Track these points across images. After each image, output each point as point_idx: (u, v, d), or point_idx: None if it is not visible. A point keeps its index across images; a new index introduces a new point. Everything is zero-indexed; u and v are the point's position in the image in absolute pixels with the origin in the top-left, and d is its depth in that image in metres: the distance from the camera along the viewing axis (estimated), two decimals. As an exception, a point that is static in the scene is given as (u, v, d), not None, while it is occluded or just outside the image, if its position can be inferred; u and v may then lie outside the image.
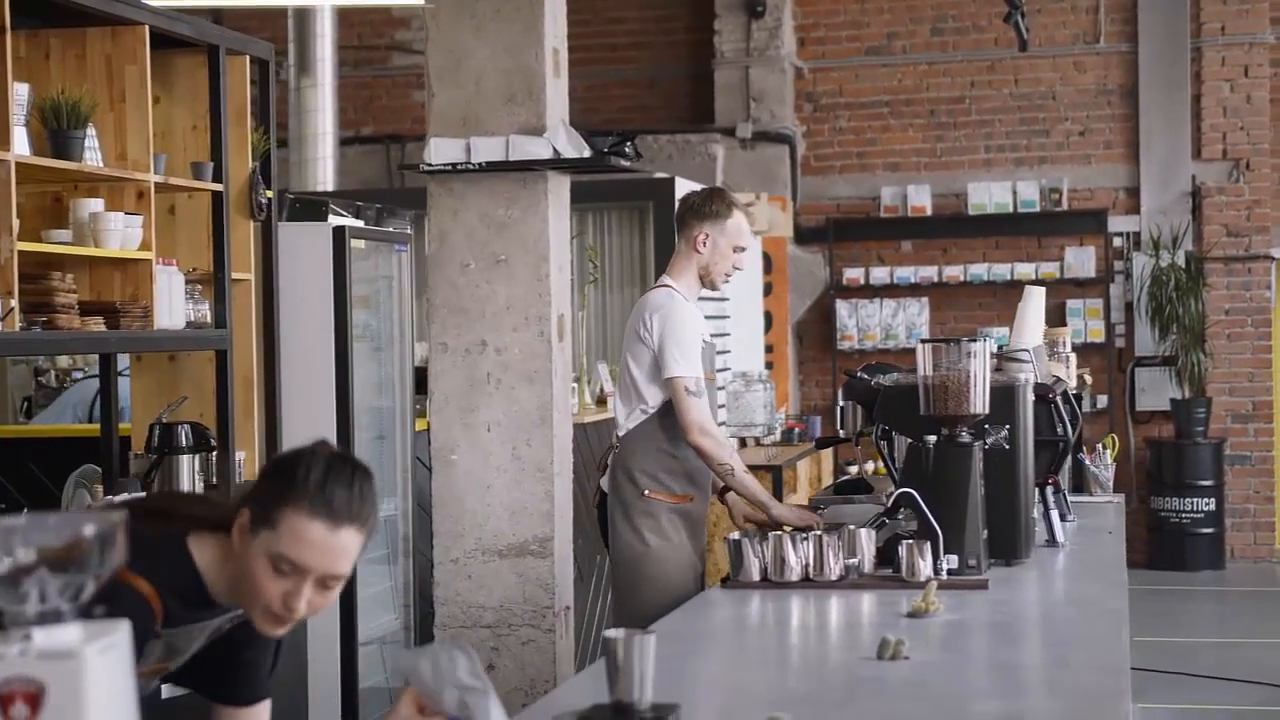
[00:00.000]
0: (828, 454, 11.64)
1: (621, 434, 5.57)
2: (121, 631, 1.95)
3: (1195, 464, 12.90)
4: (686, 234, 5.56)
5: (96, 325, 5.38)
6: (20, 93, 5.12)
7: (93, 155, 5.40)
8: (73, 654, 1.87)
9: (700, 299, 5.62)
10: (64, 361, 9.32)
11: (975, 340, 4.77)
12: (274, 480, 2.87)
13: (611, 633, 2.92)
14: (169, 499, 3.12)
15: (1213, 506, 12.89)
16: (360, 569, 6.91)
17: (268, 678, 3.18)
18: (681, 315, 5.44)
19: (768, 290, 12.90)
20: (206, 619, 2.99)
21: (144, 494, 5.27)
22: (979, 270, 13.39)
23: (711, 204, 5.55)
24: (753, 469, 9.40)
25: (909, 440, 4.91)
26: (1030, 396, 5.06)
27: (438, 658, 2.54)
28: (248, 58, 6.35)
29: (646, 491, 5.49)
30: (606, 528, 5.65)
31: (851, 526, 4.71)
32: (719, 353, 10.37)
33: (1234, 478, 13.20)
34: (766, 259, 12.86)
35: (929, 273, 13.48)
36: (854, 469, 10.09)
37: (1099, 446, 6.94)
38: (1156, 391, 13.22)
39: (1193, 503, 12.87)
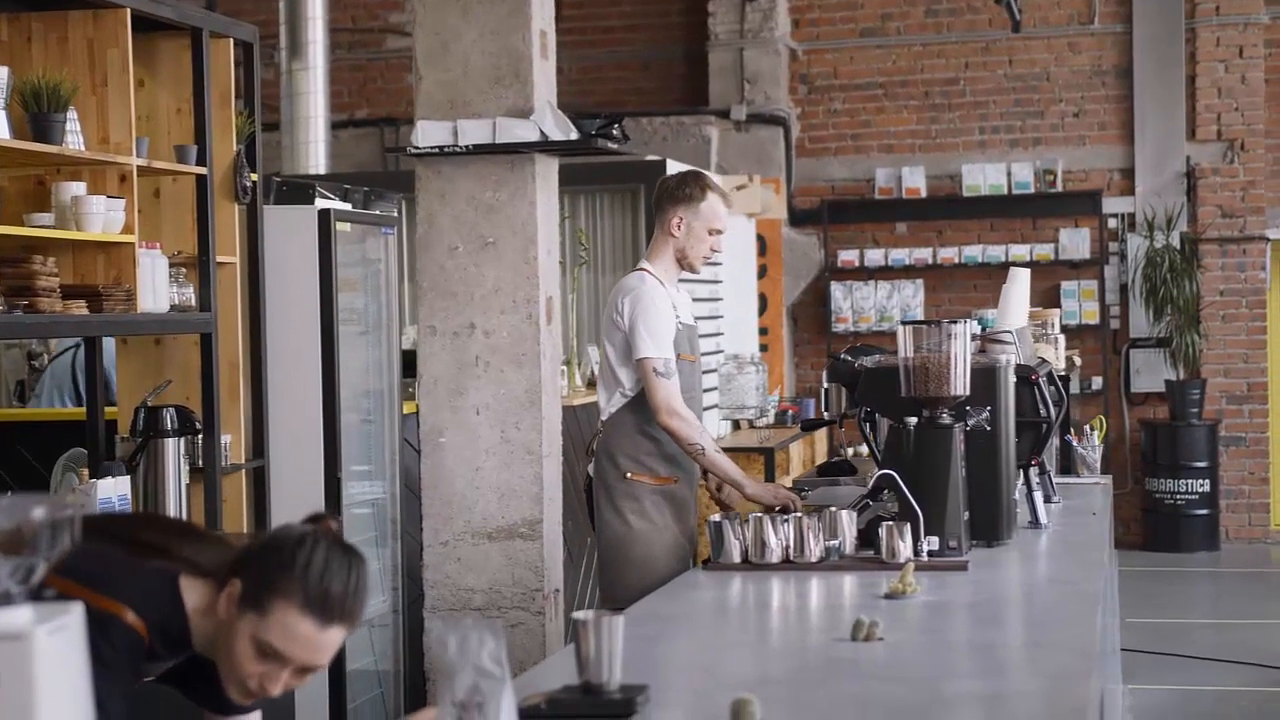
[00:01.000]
0: (822, 436, 11.65)
1: (604, 418, 5.60)
2: (73, 614, 1.95)
3: (1190, 445, 12.90)
4: (662, 218, 5.58)
5: (79, 309, 5.38)
6: (0, 76, 5.12)
7: (74, 139, 5.39)
8: (22, 636, 1.87)
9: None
10: (56, 345, 9.30)
11: (956, 322, 4.77)
12: (270, 561, 2.86)
13: (580, 615, 2.93)
14: (163, 531, 3.09)
15: (1207, 488, 12.89)
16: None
17: None
18: (651, 297, 5.45)
19: (762, 273, 12.90)
20: (183, 655, 3.00)
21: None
22: (973, 252, 13.38)
23: (685, 187, 5.56)
24: (745, 451, 9.50)
25: (890, 422, 4.91)
26: (1011, 378, 5.06)
27: (467, 635, 2.54)
28: (231, 40, 6.34)
29: (629, 474, 5.51)
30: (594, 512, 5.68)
31: (833, 508, 4.71)
32: (710, 335, 10.44)
33: (1228, 459, 13.20)
34: (761, 241, 12.86)
35: (924, 255, 13.47)
36: (850, 451, 10.10)
37: (1086, 428, 6.93)
38: (1151, 373, 13.22)
39: (1187, 484, 12.87)
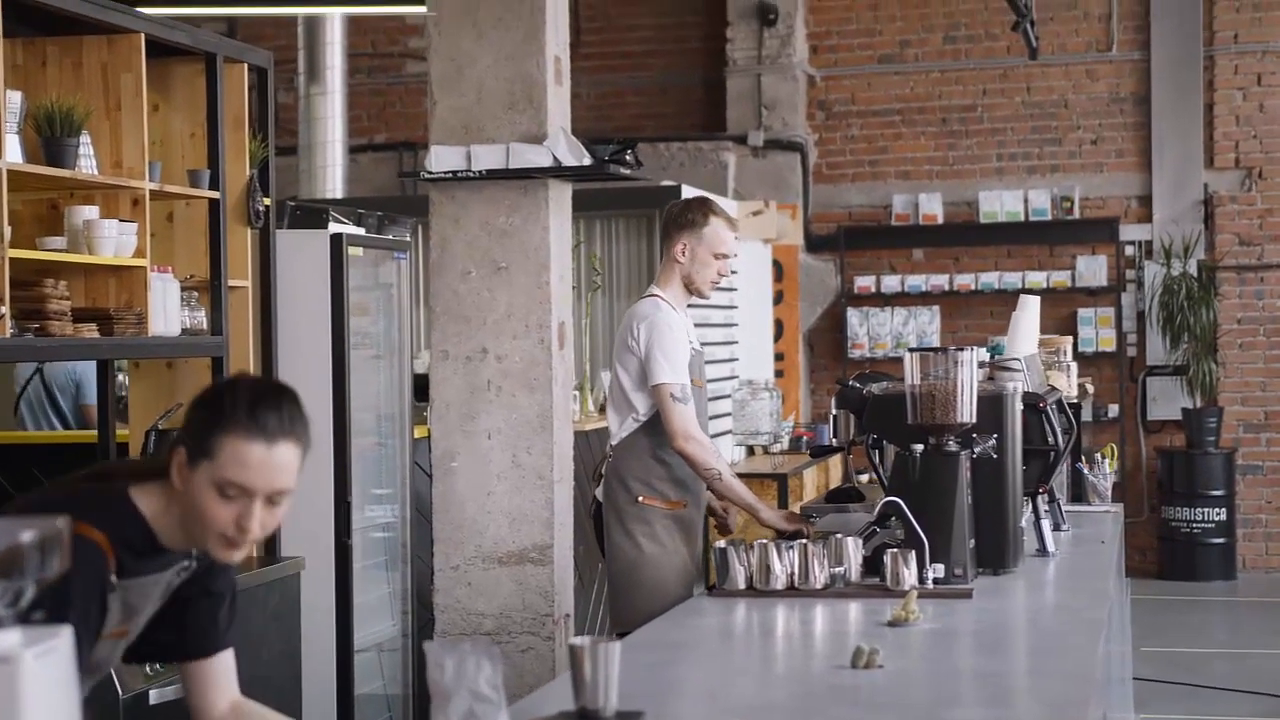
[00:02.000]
0: (836, 462, 11.64)
1: (614, 443, 5.62)
2: (62, 637, 1.96)
3: (1206, 474, 12.85)
4: (668, 244, 5.63)
5: (90, 332, 5.40)
6: (14, 100, 5.15)
7: (87, 162, 5.42)
8: (10, 659, 1.88)
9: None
10: (20, 378, 9.29)
11: (963, 350, 4.76)
12: (203, 414, 2.96)
13: (576, 641, 2.93)
14: (107, 464, 3.22)
15: (1224, 516, 12.84)
16: (358, 575, 6.92)
17: (227, 628, 3.26)
18: (667, 323, 5.48)
19: (779, 298, 12.90)
20: (158, 569, 3.06)
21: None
22: (990, 279, 13.37)
23: (689, 213, 5.60)
24: (758, 477, 9.50)
25: (897, 449, 4.90)
26: (1019, 406, 5.04)
27: (464, 659, 2.54)
28: (246, 65, 6.37)
29: (640, 498, 5.53)
30: (603, 536, 5.69)
31: (838, 535, 4.71)
32: (724, 360, 10.45)
33: (1245, 488, 13.15)
34: (777, 267, 12.86)
35: (940, 281, 13.46)
36: (865, 478, 10.08)
37: (1097, 456, 6.91)
38: (1168, 401, 13.18)
39: (1204, 512, 12.82)
